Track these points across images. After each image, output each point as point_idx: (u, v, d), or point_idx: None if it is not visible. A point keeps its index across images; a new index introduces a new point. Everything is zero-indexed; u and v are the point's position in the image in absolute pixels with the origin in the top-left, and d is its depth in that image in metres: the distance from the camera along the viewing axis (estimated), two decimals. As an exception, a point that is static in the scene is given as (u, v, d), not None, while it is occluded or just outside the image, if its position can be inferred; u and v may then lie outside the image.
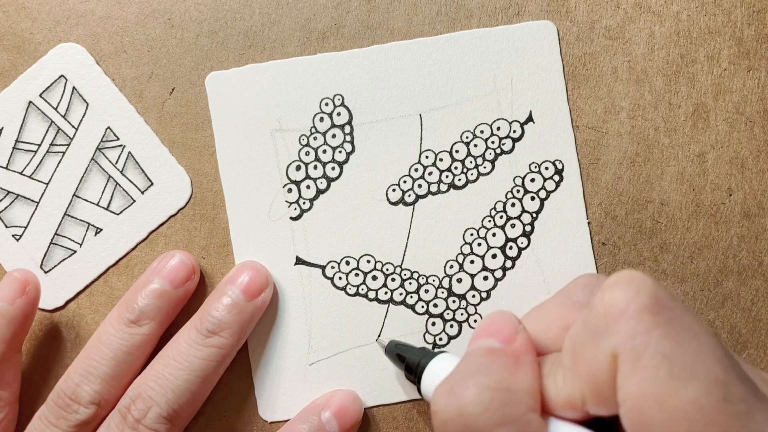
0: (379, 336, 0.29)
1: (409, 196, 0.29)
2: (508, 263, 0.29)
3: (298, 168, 0.29)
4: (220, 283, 0.28)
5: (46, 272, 0.30)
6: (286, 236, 0.29)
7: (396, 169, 0.29)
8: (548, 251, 0.29)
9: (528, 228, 0.29)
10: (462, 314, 0.29)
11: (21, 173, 0.30)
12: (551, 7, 0.29)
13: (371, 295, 0.29)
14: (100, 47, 0.30)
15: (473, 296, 0.29)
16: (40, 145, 0.30)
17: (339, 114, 0.29)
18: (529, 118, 0.29)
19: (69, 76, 0.30)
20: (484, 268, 0.29)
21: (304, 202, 0.29)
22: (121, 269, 0.30)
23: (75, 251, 0.30)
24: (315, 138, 0.29)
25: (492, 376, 0.19)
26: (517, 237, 0.29)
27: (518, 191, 0.29)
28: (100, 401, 0.27)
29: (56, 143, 0.30)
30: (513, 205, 0.29)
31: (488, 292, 0.29)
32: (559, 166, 0.29)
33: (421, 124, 0.29)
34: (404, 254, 0.29)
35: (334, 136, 0.29)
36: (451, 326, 0.29)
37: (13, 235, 0.30)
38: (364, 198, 0.29)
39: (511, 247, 0.29)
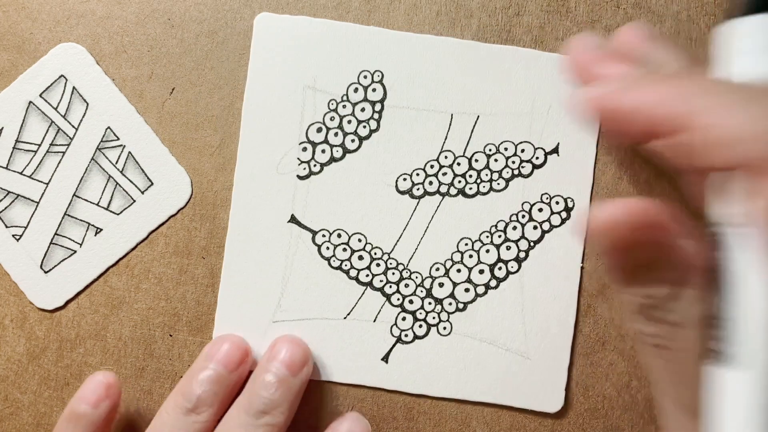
0: (347, 315, 0.29)
1: (418, 189, 0.29)
2: (493, 282, 0.29)
3: (319, 130, 0.29)
4: (261, 362, 0.28)
5: (46, 272, 0.30)
6: (288, 192, 0.29)
7: (413, 159, 0.29)
8: (535, 283, 0.29)
9: (522, 254, 0.29)
10: (434, 318, 0.29)
11: (21, 173, 0.30)
12: (551, 7, 0.29)
13: (353, 273, 0.29)
14: (100, 47, 0.30)
15: (450, 304, 0.29)
16: (40, 145, 0.30)
17: (374, 90, 0.29)
18: (555, 150, 0.29)
19: (69, 76, 0.30)
20: (469, 281, 0.29)
21: (315, 165, 0.29)
22: (121, 269, 0.30)
23: (75, 251, 0.30)
24: (344, 106, 0.29)
25: None
26: (509, 260, 0.29)
27: (523, 216, 0.29)
28: None
29: (56, 143, 0.30)
30: (515, 228, 0.29)
31: (465, 304, 0.29)
32: (570, 205, 0.29)
33: (450, 124, 0.29)
34: (396, 244, 0.29)
35: (363, 109, 0.29)
36: (420, 326, 0.29)
37: (13, 235, 0.30)
38: (374, 179, 0.29)
39: (500, 268, 0.29)
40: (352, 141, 0.29)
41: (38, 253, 0.30)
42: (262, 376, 0.27)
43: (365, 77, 0.29)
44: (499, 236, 0.29)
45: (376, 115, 0.29)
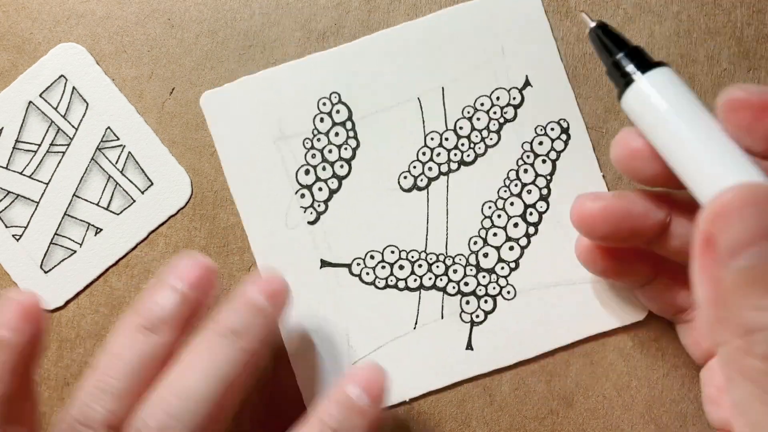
0: (415, 324, 0.29)
1: (422, 180, 0.29)
2: (531, 230, 0.29)
3: (307, 172, 0.29)
4: (238, 288, 0.25)
5: (46, 272, 0.30)
6: (306, 241, 0.29)
7: (404, 156, 0.29)
8: (567, 211, 0.28)
9: (544, 191, 0.29)
10: (494, 288, 0.29)
11: (21, 173, 0.30)
12: (551, 7, 0.29)
13: (401, 284, 0.29)
14: (100, 47, 0.30)
15: (502, 268, 0.29)
16: (40, 145, 0.30)
17: (338, 111, 0.29)
18: (527, 83, 0.29)
19: (69, 76, 0.30)
20: (508, 239, 0.29)
21: (318, 205, 0.29)
22: (121, 269, 0.30)
23: (75, 251, 0.30)
24: (318, 139, 0.29)
25: None
26: (536, 202, 0.29)
27: (528, 157, 0.29)
28: (114, 423, 0.23)
29: (56, 143, 0.30)
30: (525, 171, 0.29)
31: (516, 261, 0.29)
32: (564, 125, 0.29)
33: (421, 107, 0.29)
34: (426, 239, 0.29)
35: (336, 134, 0.29)
36: (485, 302, 0.29)
37: (13, 235, 0.30)
38: (378, 190, 0.29)
39: (531, 213, 0.29)
40: (341, 167, 0.29)
41: (38, 253, 0.30)
42: (237, 298, 0.25)
43: (324, 104, 0.29)
44: (516, 185, 0.29)
45: (351, 133, 0.29)
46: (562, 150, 0.29)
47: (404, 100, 0.29)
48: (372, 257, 0.29)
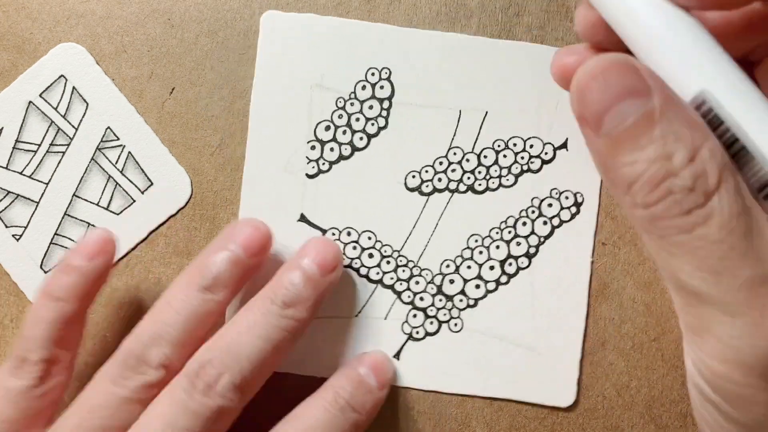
0: (358, 312, 0.29)
1: (427, 186, 0.29)
2: (504, 278, 0.29)
3: (327, 128, 0.29)
4: (293, 257, 0.27)
5: (46, 272, 0.30)
6: (297, 191, 0.29)
7: (422, 156, 0.29)
8: (545, 278, 0.29)
9: (532, 250, 0.29)
10: (445, 315, 0.29)
11: (21, 173, 0.30)
12: (551, 7, 0.29)
13: (363, 271, 0.29)
14: (100, 47, 0.30)
15: (460, 300, 0.29)
16: (40, 145, 0.30)
17: (382, 87, 0.29)
18: (564, 145, 0.29)
19: (69, 76, 0.30)
20: (479, 277, 0.29)
21: (323, 163, 0.29)
22: (121, 269, 0.30)
23: (75, 251, 0.30)
24: (352, 104, 0.29)
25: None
26: (519, 256, 0.29)
27: (533, 212, 0.29)
28: (168, 365, 0.25)
29: (56, 143, 0.30)
30: (524, 224, 0.29)
31: (476, 300, 0.29)
32: (579, 199, 0.29)
33: (458, 120, 0.29)
34: (406, 241, 0.29)
35: (371, 107, 0.29)
36: (431, 323, 0.29)
37: (13, 235, 0.30)
38: (383, 177, 0.29)
39: (510, 264, 0.29)
40: (361, 139, 0.29)
41: (38, 253, 0.30)
42: (291, 269, 0.26)
43: (373, 74, 0.29)
44: (509, 232, 0.29)
45: (384, 113, 0.29)
46: (567, 221, 0.29)
47: (447, 106, 0.29)
48: (348, 234, 0.29)
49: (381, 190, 0.29)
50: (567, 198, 0.29)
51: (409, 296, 0.29)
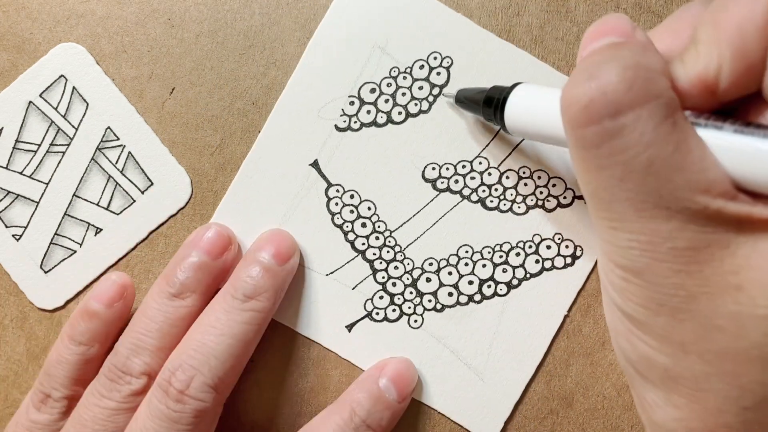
0: (330, 273, 0.29)
1: (442, 183, 0.29)
2: (478, 296, 0.29)
3: (372, 90, 0.29)
4: (248, 252, 0.28)
5: (46, 272, 0.30)
6: (320, 138, 0.29)
7: (449, 153, 0.29)
8: (517, 312, 0.29)
9: (515, 281, 0.29)
10: (409, 308, 0.29)
11: (21, 173, 0.30)
12: (551, 7, 0.29)
13: (350, 236, 0.29)
14: (100, 47, 0.30)
15: (429, 300, 0.29)
16: (40, 145, 0.30)
17: (439, 74, 0.29)
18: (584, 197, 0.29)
19: (69, 76, 0.30)
20: (455, 286, 0.29)
21: (355, 122, 0.29)
22: (121, 269, 0.30)
23: (75, 251, 0.30)
24: (405, 78, 0.29)
25: (628, 59, 0.19)
26: (501, 282, 0.29)
27: (530, 247, 0.29)
28: (149, 372, 0.27)
29: (56, 143, 0.30)
30: (518, 254, 0.29)
31: (444, 307, 0.29)
32: (579, 253, 0.29)
33: (496, 134, 0.29)
34: (401, 226, 0.29)
35: (421, 88, 0.29)
36: (394, 310, 0.29)
37: (13, 235, 0.30)
38: (405, 157, 0.29)
39: (489, 286, 0.29)
40: (400, 113, 0.29)
41: (38, 253, 0.30)
42: (248, 263, 0.27)
43: (435, 59, 0.29)
44: (500, 257, 0.29)
45: (431, 98, 0.29)
46: (559, 268, 0.29)
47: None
48: (351, 197, 0.29)
49: (398, 170, 0.29)
50: (567, 247, 0.29)
51: (383, 277, 0.29)
